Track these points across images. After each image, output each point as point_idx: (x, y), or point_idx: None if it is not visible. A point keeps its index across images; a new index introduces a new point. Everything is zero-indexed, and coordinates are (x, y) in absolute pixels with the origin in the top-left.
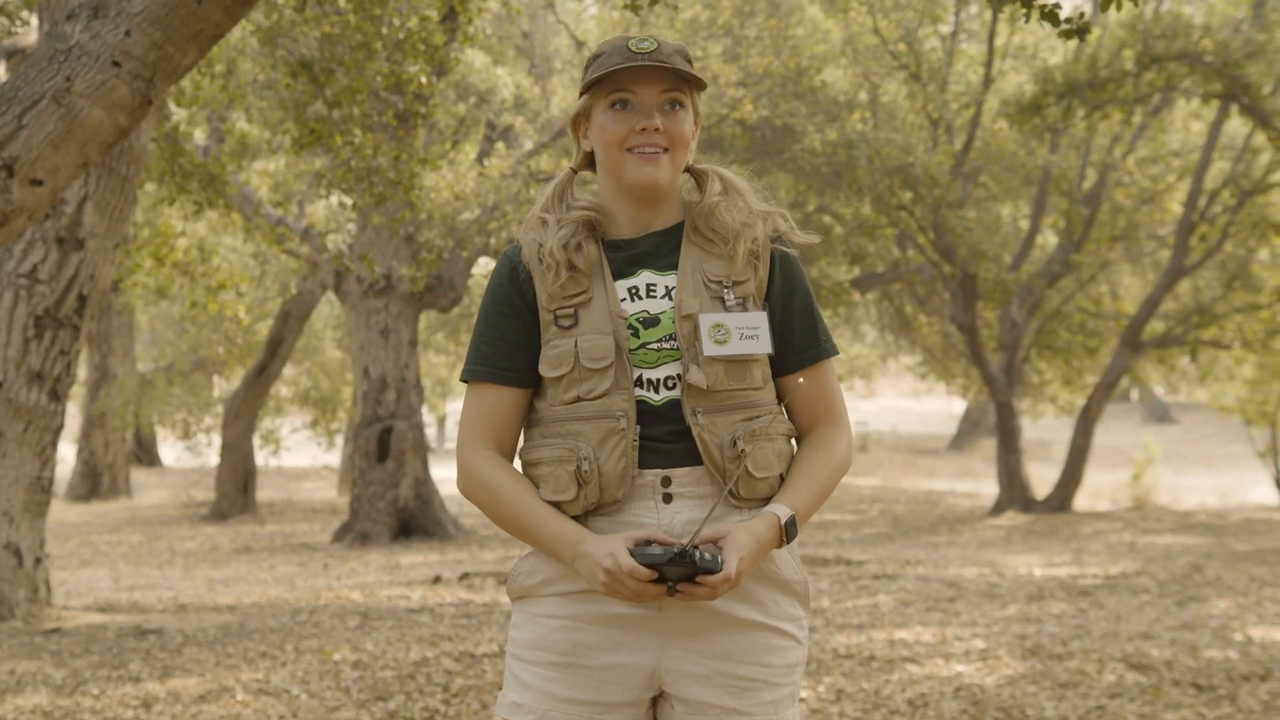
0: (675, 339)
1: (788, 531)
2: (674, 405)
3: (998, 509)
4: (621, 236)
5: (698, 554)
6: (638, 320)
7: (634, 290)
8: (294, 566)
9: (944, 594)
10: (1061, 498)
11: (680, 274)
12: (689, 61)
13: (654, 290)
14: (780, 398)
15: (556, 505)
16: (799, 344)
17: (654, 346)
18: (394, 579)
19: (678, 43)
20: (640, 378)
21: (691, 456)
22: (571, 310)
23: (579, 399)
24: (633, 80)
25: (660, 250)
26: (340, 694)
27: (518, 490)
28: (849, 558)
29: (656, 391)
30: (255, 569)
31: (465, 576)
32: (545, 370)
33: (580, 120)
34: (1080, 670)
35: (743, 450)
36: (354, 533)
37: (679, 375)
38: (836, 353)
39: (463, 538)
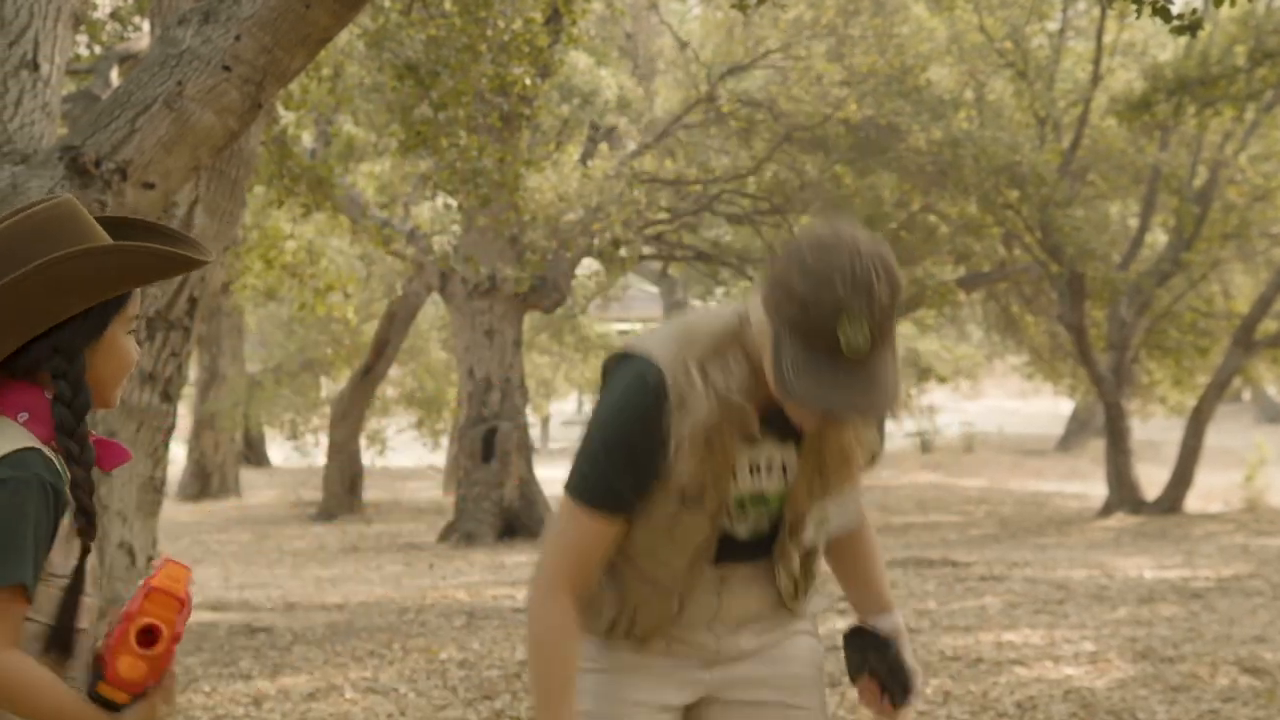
0: (776, 509)
1: None
2: (758, 539)
3: (1106, 510)
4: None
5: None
6: (749, 498)
7: (755, 466)
8: (400, 566)
9: (1052, 596)
10: (1172, 499)
11: (800, 463)
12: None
13: (771, 466)
14: None
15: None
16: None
17: (753, 515)
18: (499, 579)
19: (888, 306)
20: (730, 528)
21: (753, 556)
22: (700, 488)
23: (654, 555)
24: None
25: (781, 416)
26: (447, 693)
27: (570, 664)
28: (955, 559)
29: (744, 533)
30: (362, 568)
31: None
32: (642, 513)
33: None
34: (1192, 674)
35: (809, 570)
36: (459, 533)
37: (768, 532)
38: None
39: None
